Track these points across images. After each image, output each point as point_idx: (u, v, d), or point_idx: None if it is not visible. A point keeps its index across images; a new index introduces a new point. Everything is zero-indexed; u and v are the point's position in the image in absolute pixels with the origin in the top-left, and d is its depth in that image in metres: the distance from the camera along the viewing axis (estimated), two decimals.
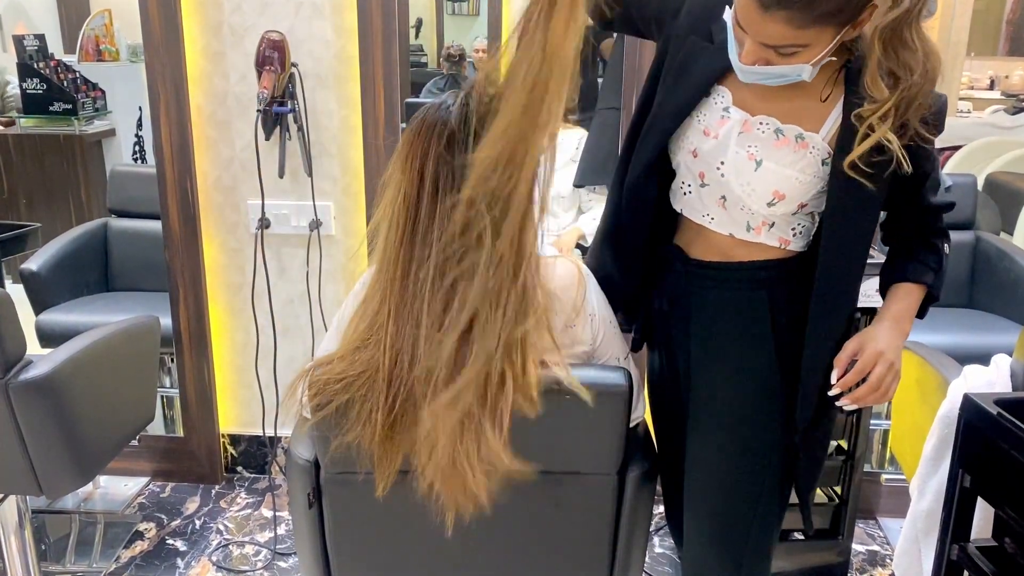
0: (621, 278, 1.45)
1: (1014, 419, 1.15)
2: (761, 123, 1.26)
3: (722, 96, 1.30)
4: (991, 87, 6.16)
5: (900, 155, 1.18)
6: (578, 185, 2.65)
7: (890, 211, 1.38)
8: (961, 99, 5.54)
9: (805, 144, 1.25)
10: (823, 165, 1.25)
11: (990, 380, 1.46)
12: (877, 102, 1.16)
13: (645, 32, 1.43)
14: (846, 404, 1.31)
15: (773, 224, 1.31)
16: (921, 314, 1.38)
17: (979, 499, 1.26)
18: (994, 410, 1.19)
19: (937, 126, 1.22)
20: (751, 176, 1.26)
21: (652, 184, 1.37)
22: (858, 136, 1.18)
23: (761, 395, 1.35)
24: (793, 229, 1.33)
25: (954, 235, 2.78)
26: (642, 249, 1.42)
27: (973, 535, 1.29)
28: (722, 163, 1.28)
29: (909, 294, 1.35)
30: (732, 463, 1.39)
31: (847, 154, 1.20)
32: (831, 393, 1.30)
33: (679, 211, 1.38)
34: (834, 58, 1.19)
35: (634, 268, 1.44)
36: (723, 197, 1.31)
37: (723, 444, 1.39)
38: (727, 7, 1.18)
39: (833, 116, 1.25)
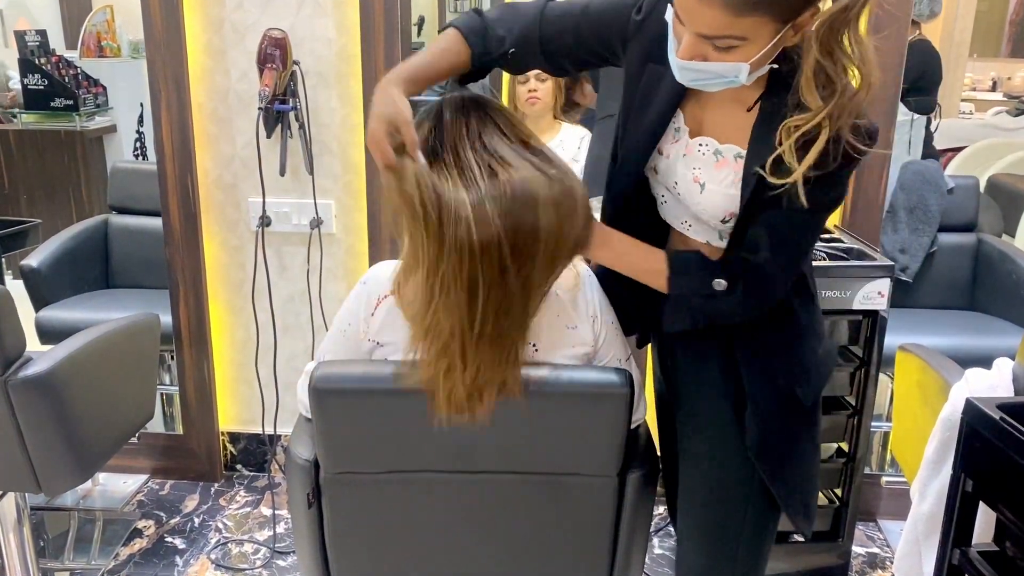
0: (621, 280, 1.44)
1: (1017, 424, 1.15)
2: (701, 145, 1.24)
3: (677, 116, 1.27)
4: (993, 88, 6.17)
5: (800, 189, 1.11)
6: None
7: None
8: (963, 100, 5.54)
9: (744, 163, 1.20)
10: None
11: (992, 384, 1.45)
12: (809, 111, 1.08)
13: (605, 62, 1.35)
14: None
15: None
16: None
17: (980, 503, 1.25)
18: (996, 415, 1.18)
19: (870, 140, 1.12)
20: (699, 198, 1.24)
21: (633, 209, 1.36)
22: (773, 156, 1.12)
23: (739, 400, 1.34)
24: None
25: (956, 237, 2.83)
26: None
27: (975, 539, 1.28)
28: (675, 183, 1.27)
29: (649, 257, 1.30)
30: (719, 469, 1.38)
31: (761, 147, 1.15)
32: None
33: (664, 218, 1.37)
34: (775, 66, 1.14)
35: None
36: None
37: (710, 449, 1.39)
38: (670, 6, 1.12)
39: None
